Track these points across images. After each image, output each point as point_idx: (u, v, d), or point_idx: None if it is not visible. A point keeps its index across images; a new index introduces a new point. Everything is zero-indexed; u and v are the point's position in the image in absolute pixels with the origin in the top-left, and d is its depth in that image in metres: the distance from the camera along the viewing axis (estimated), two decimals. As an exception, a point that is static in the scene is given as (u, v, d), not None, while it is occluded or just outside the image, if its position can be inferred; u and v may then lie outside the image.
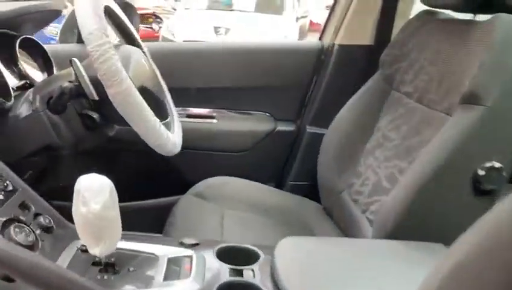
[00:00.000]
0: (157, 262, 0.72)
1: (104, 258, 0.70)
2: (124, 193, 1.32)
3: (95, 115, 0.87)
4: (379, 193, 1.01)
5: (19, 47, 1.04)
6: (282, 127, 1.45)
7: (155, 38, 6.16)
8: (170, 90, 1.14)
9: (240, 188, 1.27)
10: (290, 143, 1.45)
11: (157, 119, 0.85)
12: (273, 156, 1.46)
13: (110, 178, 0.69)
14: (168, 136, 0.89)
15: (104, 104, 0.81)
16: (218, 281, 0.68)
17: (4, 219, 0.67)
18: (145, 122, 0.82)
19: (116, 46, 0.91)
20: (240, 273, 0.72)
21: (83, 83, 0.83)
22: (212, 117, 1.42)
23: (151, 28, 6.55)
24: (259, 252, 0.77)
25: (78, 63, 0.84)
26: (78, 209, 0.64)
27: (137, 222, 1.35)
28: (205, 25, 5.77)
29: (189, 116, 1.40)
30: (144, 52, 1.06)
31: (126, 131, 0.86)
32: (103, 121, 0.90)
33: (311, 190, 1.28)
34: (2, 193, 0.72)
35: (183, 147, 1.03)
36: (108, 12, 0.99)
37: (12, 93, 0.91)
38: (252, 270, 0.72)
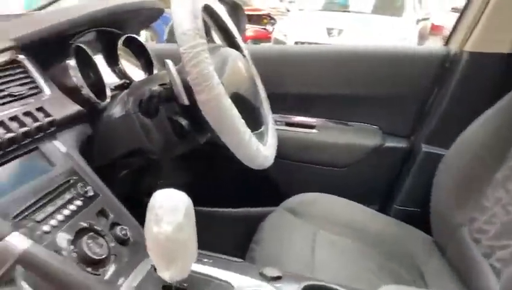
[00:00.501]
0: (231, 293, 0.64)
1: (176, 283, 0.63)
2: (214, 199, 1.29)
3: (184, 122, 0.81)
4: (510, 236, 0.82)
5: (125, 46, 1.05)
6: (391, 143, 1.28)
7: (268, 39, 6.22)
8: (270, 95, 1.06)
9: (338, 208, 1.15)
10: (399, 162, 1.28)
11: (248, 130, 0.77)
12: (378, 175, 1.30)
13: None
14: (258, 149, 0.81)
15: (195, 110, 0.74)
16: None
17: (78, 228, 0.64)
18: (234, 133, 0.74)
19: (213, 49, 0.84)
20: None
21: (174, 87, 0.78)
22: (312, 127, 1.30)
23: (265, 29, 6.64)
24: None
25: (171, 65, 0.79)
26: (149, 228, 0.57)
27: (225, 230, 1.31)
28: (318, 26, 5.64)
29: (288, 124, 1.30)
30: (244, 55, 0.99)
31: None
32: (193, 128, 0.84)
33: (421, 219, 1.11)
34: (82, 198, 0.69)
35: (280, 157, 0.95)
36: (209, 12, 0.93)
37: (108, 93, 0.90)
38: None
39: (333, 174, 1.30)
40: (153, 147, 0.85)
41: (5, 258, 0.48)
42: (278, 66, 1.29)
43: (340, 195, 1.17)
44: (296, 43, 5.26)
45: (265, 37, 6.29)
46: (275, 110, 1.07)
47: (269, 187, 1.29)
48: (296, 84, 1.28)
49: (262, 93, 1.02)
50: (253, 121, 0.88)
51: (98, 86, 0.89)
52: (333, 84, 1.28)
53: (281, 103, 1.22)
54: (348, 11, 6.19)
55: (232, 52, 0.91)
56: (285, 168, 1.25)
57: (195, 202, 0.58)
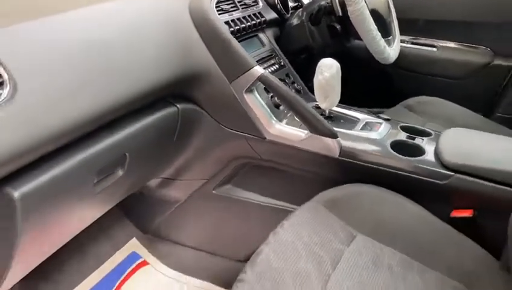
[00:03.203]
0: (358, 122, 1.10)
1: (327, 112, 1.12)
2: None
3: (338, 26, 1.28)
4: None
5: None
6: (499, 61, 1.54)
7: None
8: (402, 20, 1.43)
9: (448, 111, 1.42)
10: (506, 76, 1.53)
11: (379, 34, 1.20)
12: (487, 87, 1.57)
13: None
14: (385, 48, 1.23)
15: (345, 19, 1.20)
16: (394, 139, 1.02)
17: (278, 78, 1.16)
18: (370, 34, 1.18)
19: None
20: (412, 139, 1.03)
21: (334, 3, 1.25)
22: (433, 46, 1.64)
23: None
24: (432, 132, 1.06)
25: None
26: (317, 76, 1.06)
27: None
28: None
29: (414, 43, 1.66)
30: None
31: (358, 48, 1.20)
32: (343, 32, 1.30)
33: None
34: (277, 65, 1.21)
35: (403, 68, 1.33)
36: None
37: (290, 10, 1.39)
38: (422, 139, 1.02)
39: (448, 84, 1.61)
40: (315, 44, 1.33)
41: (252, 77, 1.00)
42: None
43: (452, 101, 1.45)
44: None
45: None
46: (405, 32, 1.44)
47: (390, 91, 1.67)
48: (423, 11, 1.62)
49: (393, 14, 1.42)
50: (384, 30, 1.30)
51: (284, 5, 1.39)
52: (459, 11, 1.56)
53: (410, 27, 1.59)
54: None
55: None
56: (408, 77, 1.62)
57: None
